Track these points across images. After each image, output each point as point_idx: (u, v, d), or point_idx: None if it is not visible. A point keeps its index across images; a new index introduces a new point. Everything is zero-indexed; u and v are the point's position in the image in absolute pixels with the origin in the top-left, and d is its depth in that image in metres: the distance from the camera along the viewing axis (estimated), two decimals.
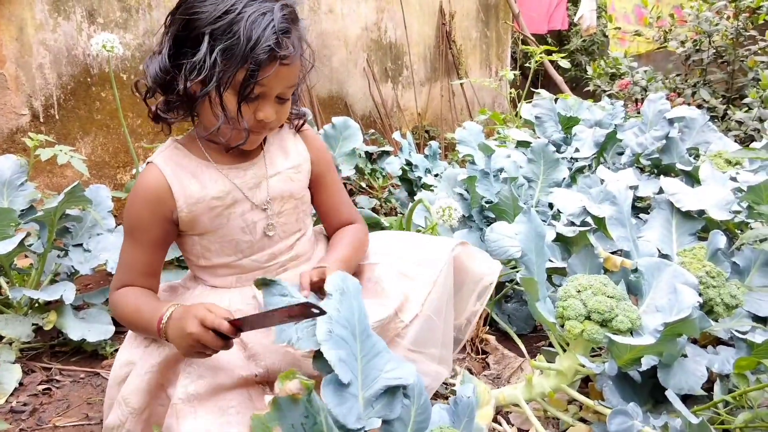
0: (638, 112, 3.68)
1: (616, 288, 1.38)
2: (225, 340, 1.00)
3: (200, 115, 1.12)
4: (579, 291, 1.36)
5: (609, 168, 2.67)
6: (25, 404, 1.56)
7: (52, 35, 2.83)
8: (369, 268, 1.33)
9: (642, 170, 2.66)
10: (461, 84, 5.06)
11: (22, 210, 1.91)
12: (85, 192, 2.02)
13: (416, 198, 2.01)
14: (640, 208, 2.39)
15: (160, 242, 1.17)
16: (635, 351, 1.27)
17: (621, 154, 2.74)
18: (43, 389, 1.65)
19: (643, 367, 1.34)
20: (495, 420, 1.44)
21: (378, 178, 3.60)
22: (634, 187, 2.22)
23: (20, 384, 1.65)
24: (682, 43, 4.58)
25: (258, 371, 1.12)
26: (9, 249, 1.65)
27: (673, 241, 1.78)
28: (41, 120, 2.83)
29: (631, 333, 1.33)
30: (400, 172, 3.01)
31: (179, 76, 1.05)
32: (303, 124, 1.31)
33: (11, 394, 1.60)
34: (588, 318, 1.33)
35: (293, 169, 1.25)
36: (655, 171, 2.60)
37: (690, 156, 2.53)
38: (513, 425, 1.45)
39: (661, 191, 2.03)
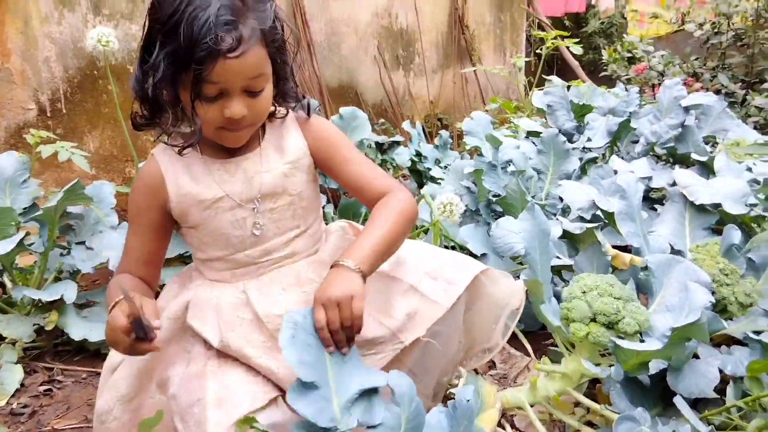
0: (655, 98, 3.59)
1: (624, 288, 1.32)
2: (140, 339, 0.97)
3: (172, 116, 1.10)
4: (584, 292, 1.31)
5: (623, 158, 2.60)
6: (25, 406, 1.56)
7: (57, 28, 2.82)
8: (378, 278, 1.26)
9: (658, 159, 2.59)
10: (474, 71, 4.97)
11: (25, 208, 1.91)
12: (88, 188, 2.01)
13: (422, 192, 1.96)
14: (654, 199, 2.32)
15: (157, 230, 1.17)
16: (642, 356, 1.22)
17: (635, 142, 2.67)
18: (44, 390, 1.64)
19: (652, 371, 1.29)
20: (499, 424, 1.40)
21: (388, 170, 3.55)
22: (648, 178, 2.15)
23: (22, 385, 1.65)
24: (700, 25, 4.44)
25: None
26: (8, 249, 1.64)
27: (686, 236, 1.72)
28: (48, 114, 2.82)
29: (640, 335, 1.28)
30: (409, 164, 2.96)
31: (144, 81, 1.04)
32: (308, 114, 1.22)
33: (12, 395, 1.60)
34: (593, 320, 1.28)
35: (289, 164, 1.18)
36: (671, 160, 2.52)
37: (707, 144, 2.45)
38: (517, 429, 1.42)
39: (675, 183, 1.96)
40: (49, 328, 1.76)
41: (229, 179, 1.14)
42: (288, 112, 1.21)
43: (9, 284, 1.87)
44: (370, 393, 0.96)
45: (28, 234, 1.77)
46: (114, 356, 1.19)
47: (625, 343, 1.19)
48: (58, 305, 1.80)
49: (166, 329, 1.15)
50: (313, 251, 1.25)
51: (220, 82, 1.00)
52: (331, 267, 1.06)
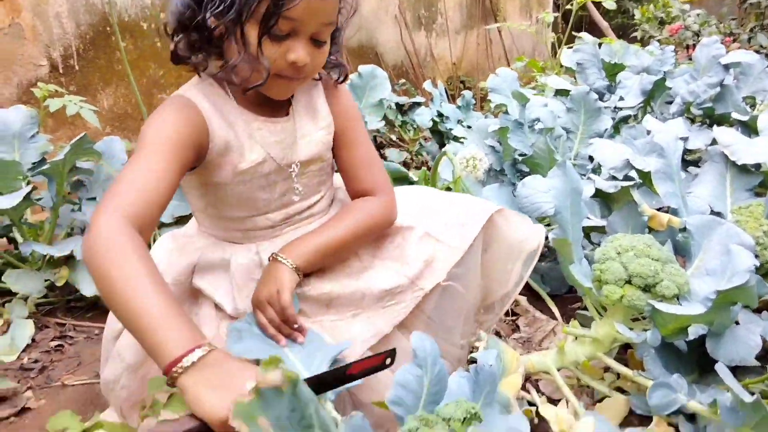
0: (689, 59, 3.43)
1: (662, 249, 1.23)
2: None
3: (226, 56, 0.99)
4: (619, 253, 1.22)
5: (657, 118, 2.48)
6: (35, 361, 1.53)
7: None
8: (394, 230, 1.21)
9: (692, 121, 2.46)
10: (499, 31, 4.81)
11: (34, 163, 1.85)
12: (99, 144, 1.95)
13: (444, 149, 1.87)
14: (689, 161, 2.21)
15: (182, 172, 0.95)
16: (682, 320, 1.13)
17: (670, 103, 2.54)
18: (56, 346, 1.61)
19: (690, 337, 1.21)
20: (523, 388, 1.34)
21: (408, 131, 3.46)
22: (684, 139, 2.04)
23: (33, 340, 1.62)
24: None
25: None
26: (15, 203, 1.59)
27: (726, 198, 1.61)
28: (60, 71, 2.75)
29: (678, 299, 1.20)
30: (430, 124, 2.86)
31: (200, 9, 0.94)
32: (345, 78, 1.15)
33: (23, 351, 1.57)
34: (629, 282, 1.19)
35: (323, 130, 1.13)
36: (708, 121, 2.39)
37: (746, 105, 2.32)
38: (543, 394, 1.35)
39: (713, 143, 1.85)
40: (60, 283, 1.72)
41: (272, 140, 1.06)
42: (320, 75, 1.15)
43: (19, 239, 1.83)
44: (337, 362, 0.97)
45: (35, 188, 1.72)
46: (114, 322, 1.13)
47: (665, 307, 1.10)
48: (69, 261, 1.75)
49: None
50: (326, 211, 1.20)
51: (296, 19, 0.92)
52: (269, 259, 1.05)
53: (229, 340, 0.95)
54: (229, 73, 0.99)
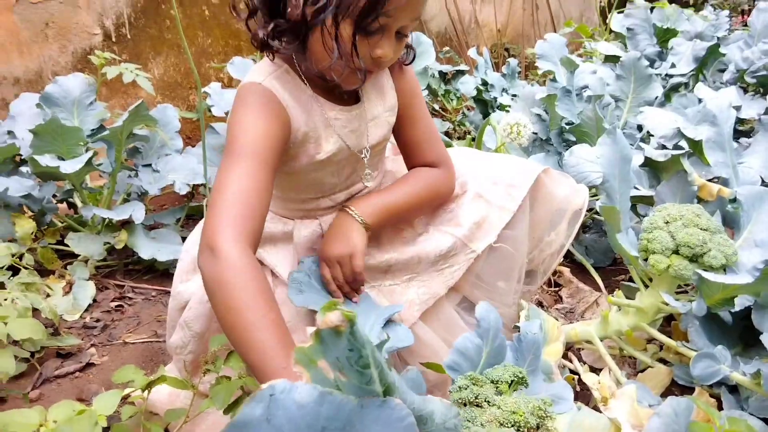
0: (744, 25, 3.30)
1: (711, 219, 1.23)
2: None
3: (310, 47, 0.95)
4: (667, 222, 1.22)
5: (709, 86, 2.41)
6: (97, 320, 1.61)
7: None
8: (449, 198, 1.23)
9: (746, 89, 2.39)
10: None
11: (93, 129, 1.93)
12: (152, 112, 2.01)
13: (490, 117, 1.87)
14: (741, 131, 2.15)
15: (277, 163, 0.96)
16: (729, 290, 1.13)
17: (723, 71, 2.47)
18: (116, 306, 1.69)
19: (736, 308, 1.20)
20: (565, 357, 1.36)
21: (452, 100, 3.44)
22: (737, 108, 1.99)
23: (94, 300, 1.70)
24: None
25: None
26: (77, 168, 1.66)
27: None
28: (113, 40, 2.83)
29: (725, 270, 1.20)
30: (474, 93, 2.84)
31: None
32: (413, 59, 1.14)
33: (85, 310, 1.65)
34: (676, 252, 1.19)
35: (389, 111, 1.13)
36: (762, 90, 2.32)
37: None
38: (585, 363, 1.37)
39: (767, 112, 1.80)
40: (119, 247, 1.80)
41: (347, 129, 1.07)
42: None
43: (79, 204, 1.92)
44: (390, 323, 1.04)
45: (96, 154, 1.79)
46: (181, 293, 1.18)
47: (712, 276, 1.10)
48: (127, 225, 1.83)
49: None
50: (380, 183, 1.23)
51: (392, 16, 0.89)
52: (339, 210, 1.07)
53: (290, 290, 1.02)
54: (327, 72, 0.96)
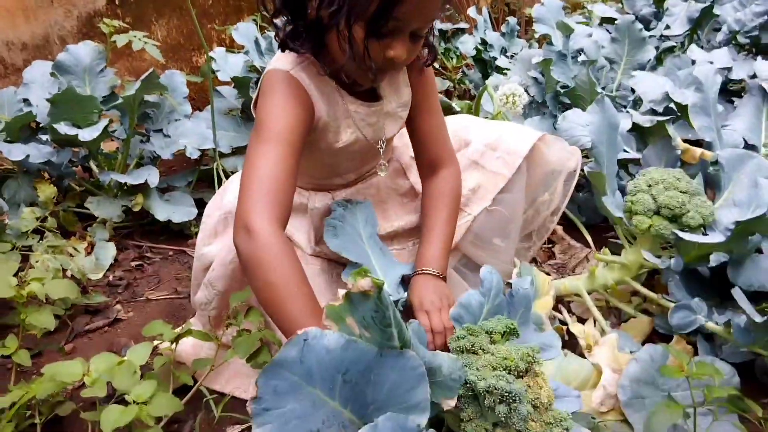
0: None
1: (691, 182, 1.32)
2: None
3: (328, 47, 0.99)
4: (650, 185, 1.31)
5: (702, 47, 2.46)
6: (120, 278, 1.72)
7: None
8: None
9: (740, 49, 2.44)
10: None
11: (104, 96, 2.00)
12: (161, 77, 2.08)
13: (487, 82, 1.94)
14: (733, 91, 2.21)
15: (302, 147, 1.01)
16: (703, 248, 1.24)
17: (717, 30, 2.51)
18: (136, 265, 1.80)
19: (712, 263, 1.31)
20: (556, 309, 1.47)
21: (451, 58, 3.48)
22: (728, 69, 2.05)
23: (115, 260, 1.81)
24: None
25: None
26: (95, 135, 1.75)
27: (761, 131, 1.66)
28: (116, 3, 2.86)
29: (704, 229, 1.30)
30: (474, 53, 2.89)
31: (309, 1, 0.94)
32: (434, 60, 1.15)
33: (108, 269, 1.76)
34: (657, 213, 1.29)
35: (402, 107, 1.18)
36: (754, 51, 2.37)
37: None
38: (573, 314, 1.48)
39: (755, 76, 1.87)
40: (136, 209, 1.89)
41: (366, 122, 1.13)
42: None
43: (95, 169, 2.01)
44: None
45: (111, 121, 1.87)
46: (205, 255, 1.28)
47: (686, 235, 1.20)
48: (143, 189, 1.93)
49: None
50: (389, 162, 1.31)
51: (402, 20, 0.90)
52: (417, 274, 1.12)
53: (326, 234, 1.14)
54: (340, 72, 1.02)
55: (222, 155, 2.12)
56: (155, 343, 1.24)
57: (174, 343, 1.18)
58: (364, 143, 1.15)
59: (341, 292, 0.80)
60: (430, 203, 1.21)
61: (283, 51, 1.04)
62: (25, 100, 1.98)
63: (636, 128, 1.67)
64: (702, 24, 2.43)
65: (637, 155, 1.60)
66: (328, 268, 1.22)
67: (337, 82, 1.07)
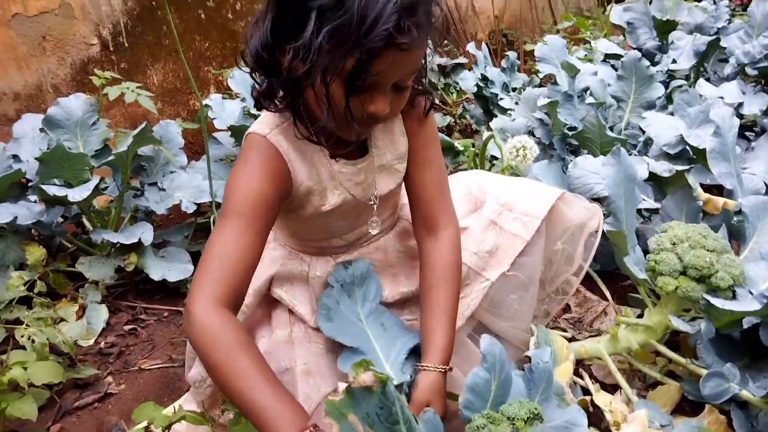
0: (744, 9, 3.27)
1: (717, 239, 1.24)
2: None
3: (306, 103, 0.94)
4: (674, 243, 1.23)
5: (709, 79, 2.41)
6: (112, 345, 1.64)
7: None
8: (461, 230, 1.23)
9: (747, 80, 2.38)
10: None
11: (97, 150, 1.93)
12: (155, 128, 2.01)
13: (492, 127, 1.87)
14: (744, 126, 2.15)
15: (270, 220, 0.96)
16: (736, 315, 1.15)
17: (725, 60, 2.46)
18: (129, 329, 1.72)
19: (744, 326, 1.22)
20: (576, 373, 1.38)
21: (451, 93, 3.43)
22: (738, 105, 1.99)
23: (107, 324, 1.72)
24: None
25: None
26: (84, 195, 1.67)
27: None
28: (111, 49, 2.81)
29: (732, 290, 1.21)
30: (475, 89, 2.84)
31: (283, 58, 0.87)
32: (431, 108, 1.08)
33: (99, 335, 1.67)
34: (683, 274, 1.21)
35: (398, 159, 1.10)
36: (763, 82, 2.31)
37: None
38: (596, 380, 1.39)
39: None
40: (129, 269, 1.81)
41: (353, 181, 1.06)
42: None
43: (88, 226, 1.93)
44: (415, 352, 1.08)
45: (103, 179, 1.80)
46: None
47: (719, 302, 1.12)
48: (136, 247, 1.85)
49: (251, 305, 1.15)
50: (395, 223, 1.23)
51: (379, 74, 0.85)
52: (422, 370, 1.03)
53: (319, 316, 1.07)
54: (320, 130, 0.96)
55: (219, 206, 2.04)
56: (145, 424, 1.16)
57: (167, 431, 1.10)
58: (355, 203, 1.07)
59: (341, 386, 0.71)
60: (432, 275, 1.10)
61: (258, 110, 0.98)
62: (15, 156, 1.91)
63: (653, 178, 1.59)
64: (709, 56, 2.38)
65: (656, 205, 1.52)
66: (333, 347, 1.12)
67: (318, 143, 1.00)
